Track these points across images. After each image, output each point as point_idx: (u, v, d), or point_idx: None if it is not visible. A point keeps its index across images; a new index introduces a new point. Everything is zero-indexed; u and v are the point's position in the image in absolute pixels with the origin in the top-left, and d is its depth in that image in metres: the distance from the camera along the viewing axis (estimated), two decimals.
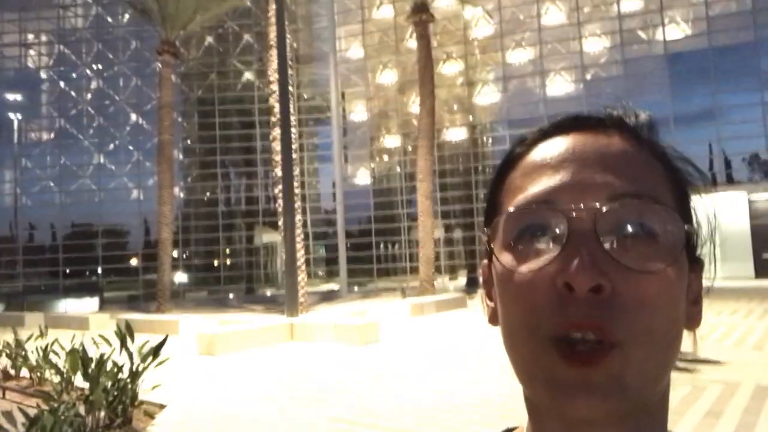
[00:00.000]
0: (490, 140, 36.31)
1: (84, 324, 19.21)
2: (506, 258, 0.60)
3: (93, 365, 7.68)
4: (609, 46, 32.70)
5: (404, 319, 18.81)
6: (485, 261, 0.67)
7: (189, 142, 38.42)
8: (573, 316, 0.54)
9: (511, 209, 0.61)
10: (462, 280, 34.28)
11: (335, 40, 36.85)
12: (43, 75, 39.17)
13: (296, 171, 25.50)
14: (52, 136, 38.01)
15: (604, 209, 0.56)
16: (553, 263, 0.55)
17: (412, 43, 32.85)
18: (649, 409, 0.59)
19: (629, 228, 0.56)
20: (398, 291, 28.33)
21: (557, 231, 0.57)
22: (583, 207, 0.56)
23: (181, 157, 37.50)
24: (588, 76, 32.93)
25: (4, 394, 9.59)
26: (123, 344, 8.02)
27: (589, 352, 0.54)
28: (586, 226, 0.55)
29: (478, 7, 34.06)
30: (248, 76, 37.37)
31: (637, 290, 0.54)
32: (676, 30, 31.60)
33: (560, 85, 33.56)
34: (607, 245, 0.54)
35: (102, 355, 7.91)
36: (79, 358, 7.98)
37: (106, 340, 8.78)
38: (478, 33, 35.57)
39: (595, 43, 33.03)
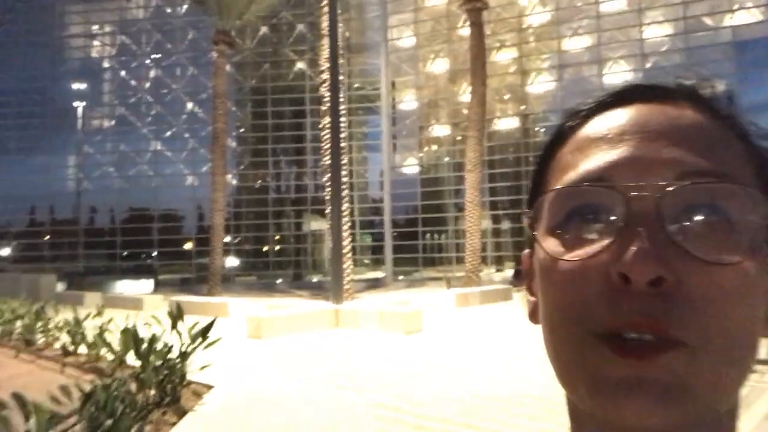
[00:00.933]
0: (543, 130, 35.47)
1: (138, 305, 19.96)
2: (551, 244, 0.51)
3: (144, 345, 7.94)
4: (671, 33, 31.29)
5: (449, 310, 18.69)
6: (527, 250, 0.59)
7: (242, 130, 39.26)
8: (628, 312, 0.45)
9: (558, 187, 0.52)
10: (509, 271, 33.76)
11: (387, 30, 36.70)
12: (106, 64, 40.75)
13: (344, 160, 25.63)
14: (113, 123, 39.56)
15: (671, 189, 0.46)
16: (606, 250, 0.46)
17: (464, 31, 32.35)
18: (715, 424, 0.49)
19: (700, 212, 0.46)
20: (443, 281, 28.17)
21: (613, 213, 0.47)
22: (644, 185, 0.47)
23: (234, 144, 38.34)
24: (648, 65, 31.63)
25: (63, 369, 10.06)
26: (174, 325, 8.26)
27: (647, 346, 0.44)
28: (648, 208, 0.46)
29: None
30: (300, 65, 37.74)
31: (707, 284, 0.45)
32: (745, 15, 29.90)
33: (619, 74, 32.38)
34: (672, 230, 0.45)
35: (153, 335, 8.17)
36: (131, 337, 8.27)
37: (158, 321, 9.07)
38: (533, 20, 34.69)
39: (657, 31, 31.66)
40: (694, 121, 0.52)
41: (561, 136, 0.60)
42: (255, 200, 37.54)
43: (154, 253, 37.18)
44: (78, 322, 11.61)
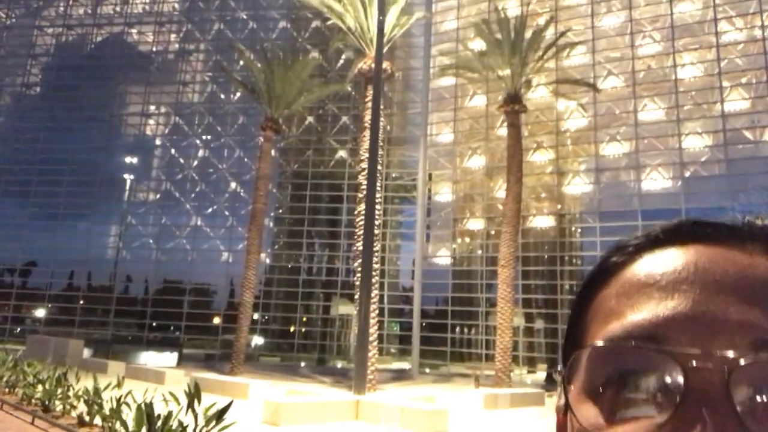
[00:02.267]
0: (579, 230, 35.22)
1: (160, 378, 19.77)
2: (588, 412, 0.41)
3: (159, 423, 7.79)
4: (711, 144, 31.44)
5: (476, 411, 17.86)
6: (560, 402, 0.48)
7: (280, 211, 40.27)
8: None
9: (600, 342, 0.43)
10: (541, 374, 32.41)
11: (427, 125, 38.03)
12: (158, 142, 43.09)
13: (377, 247, 25.83)
14: (158, 197, 41.17)
15: (743, 361, 0.37)
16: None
17: (502, 131, 33.23)
18: None
19: None
20: (472, 378, 27.17)
21: (668, 384, 0.38)
22: (710, 354, 0.38)
23: (271, 225, 39.20)
24: (687, 174, 31.59)
25: None
26: (190, 404, 8.12)
27: None
28: (714, 384, 0.37)
29: (572, 101, 34.15)
30: (341, 154, 39.10)
31: None
32: None
33: (657, 181, 32.37)
34: (742, 413, 0.36)
35: (169, 413, 8.03)
36: (145, 414, 8.14)
37: (176, 399, 8.93)
38: (570, 125, 35.46)
39: (696, 141, 31.88)
40: None
41: (604, 273, 0.49)
42: (286, 280, 37.77)
43: (182, 326, 37.25)
44: (97, 392, 11.52)
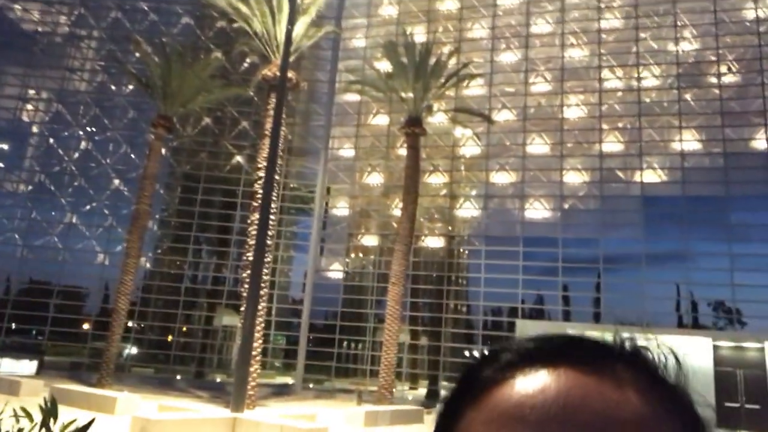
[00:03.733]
0: (466, 252, 36.69)
1: (14, 389, 17.88)
2: None
3: None
4: (588, 180, 34.12)
5: (356, 429, 17.83)
6: None
7: (166, 214, 38.17)
8: None
9: None
10: (422, 390, 33.13)
11: (329, 139, 38.05)
12: (35, 129, 39.42)
13: (268, 257, 25.23)
14: (29, 189, 37.56)
15: None
16: None
17: (401, 151, 34.03)
18: None
19: None
20: (355, 394, 27.16)
21: None
22: None
23: (155, 227, 37.08)
24: (566, 206, 34.03)
25: None
26: (45, 422, 7.35)
27: None
28: None
29: (468, 129, 35.73)
30: (239, 159, 37.96)
31: None
32: (653, 175, 33.25)
33: (539, 211, 34.56)
34: None
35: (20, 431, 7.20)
36: None
37: (28, 415, 8.05)
38: (465, 151, 37.05)
39: (575, 177, 34.48)
40: (637, 414, 0.42)
41: (473, 385, 0.48)
42: (167, 287, 35.77)
43: (46, 331, 34.01)
44: None
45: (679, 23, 34.59)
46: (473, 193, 36.41)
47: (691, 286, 30.30)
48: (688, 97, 33.64)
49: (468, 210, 36.06)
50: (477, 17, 38.85)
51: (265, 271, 23.12)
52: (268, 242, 23.46)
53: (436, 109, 32.55)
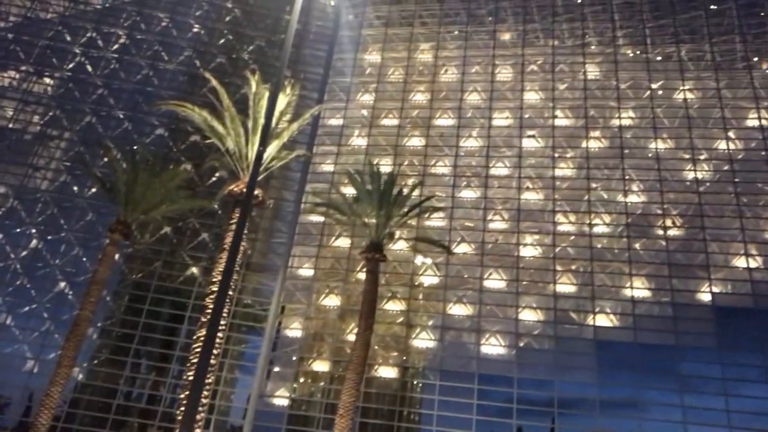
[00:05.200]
0: (420, 386, 35.46)
1: None
2: None
3: None
4: (543, 319, 34.33)
5: None
6: None
7: (109, 323, 36.15)
8: None
9: None
10: None
11: (289, 257, 37.87)
12: None
13: (211, 378, 23.87)
14: None
15: None
16: None
17: (361, 275, 34.00)
18: None
19: None
20: None
21: None
22: None
23: (95, 336, 34.99)
24: (521, 344, 33.84)
25: None
26: None
27: None
28: None
29: (428, 258, 36.24)
30: (194, 270, 37.10)
31: None
32: (605, 320, 33.76)
33: (494, 347, 34.20)
34: None
35: None
36: None
37: None
38: (424, 280, 37.23)
39: (530, 315, 34.69)
40: None
41: None
42: (96, 403, 32.96)
43: None
44: None
45: (627, 177, 37.17)
46: (430, 323, 36.03)
47: None
48: (637, 246, 35.26)
49: (424, 341, 35.42)
50: (441, 155, 41.04)
51: (205, 393, 21.74)
52: (212, 361, 22.28)
53: (397, 237, 33.12)
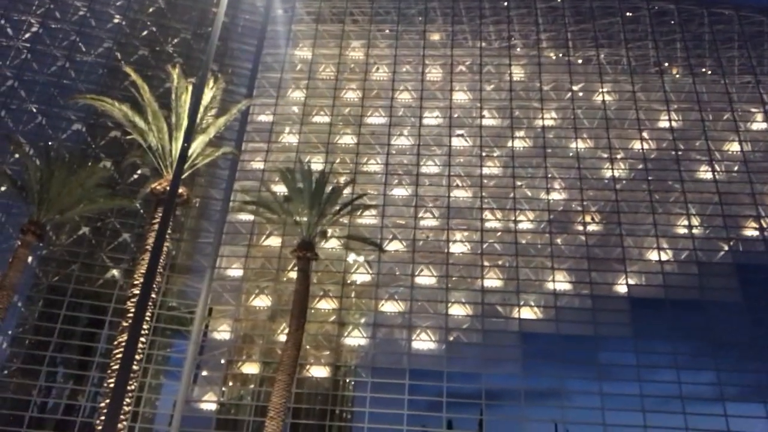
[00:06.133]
0: (352, 384, 35.47)
1: None
2: None
3: None
4: (471, 314, 35.17)
5: None
6: None
7: (21, 330, 33.93)
8: None
9: None
10: None
11: (216, 257, 36.85)
12: None
13: (133, 385, 22.83)
14: None
15: None
16: None
17: (292, 274, 33.61)
18: None
19: None
20: None
21: None
22: None
23: (4, 346, 32.73)
24: (451, 338, 34.53)
25: None
26: None
27: None
28: None
29: (361, 257, 36.28)
30: (114, 273, 35.44)
31: None
32: (530, 312, 35.02)
33: (425, 342, 34.70)
34: None
35: None
36: None
37: None
38: (356, 278, 37.25)
39: (460, 310, 35.46)
40: None
41: None
42: (7, 416, 30.83)
43: None
44: None
45: (549, 175, 38.69)
46: (362, 321, 36.10)
47: (567, 425, 30.95)
48: (558, 241, 36.81)
49: (356, 339, 35.45)
50: (372, 153, 41.20)
51: (128, 400, 20.84)
52: (135, 367, 21.38)
53: (329, 235, 32.93)
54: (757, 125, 41.04)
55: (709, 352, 32.21)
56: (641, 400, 30.68)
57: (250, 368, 35.31)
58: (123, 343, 19.80)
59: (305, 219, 28.99)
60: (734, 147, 39.68)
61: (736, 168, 39.03)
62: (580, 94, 42.47)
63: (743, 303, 33.62)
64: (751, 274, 34.74)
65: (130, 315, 20.61)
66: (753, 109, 41.48)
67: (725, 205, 36.85)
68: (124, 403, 18.66)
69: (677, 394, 30.79)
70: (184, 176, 22.39)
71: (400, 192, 39.65)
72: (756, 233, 36.42)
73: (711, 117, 40.70)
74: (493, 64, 43.99)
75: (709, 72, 43.43)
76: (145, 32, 43.26)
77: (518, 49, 45.17)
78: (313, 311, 33.67)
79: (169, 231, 21.01)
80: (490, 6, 46.09)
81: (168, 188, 22.20)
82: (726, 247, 36.03)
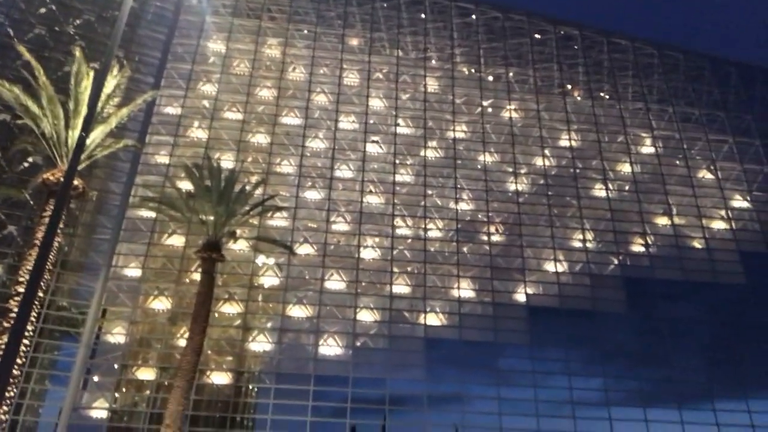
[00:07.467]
0: (255, 390, 34.57)
1: None
2: None
3: None
4: (379, 320, 35.44)
5: None
6: None
7: None
8: None
9: None
10: None
11: (113, 255, 34.62)
12: None
13: (13, 391, 20.94)
14: None
15: None
16: None
17: (195, 275, 32.26)
18: None
19: None
20: None
21: None
22: None
23: None
24: (358, 344, 34.59)
25: None
26: None
27: None
28: None
29: (270, 259, 35.49)
30: None
31: None
32: (435, 319, 35.86)
33: (332, 347, 34.54)
34: None
35: None
36: None
37: None
38: (264, 281, 36.41)
39: (368, 316, 35.64)
40: None
41: None
42: None
43: None
44: None
45: (458, 186, 39.94)
46: (268, 325, 35.31)
47: (466, 430, 31.93)
48: (465, 250, 38.03)
49: (261, 344, 34.58)
50: (286, 154, 40.54)
51: (6, 408, 19.05)
52: (16, 372, 19.59)
53: (238, 236, 31.92)
54: (646, 149, 44.72)
55: (598, 360, 34.55)
56: (536, 404, 32.30)
57: (146, 374, 33.43)
58: (2, 345, 18.08)
59: (212, 218, 27.88)
60: (626, 168, 42.98)
61: (627, 188, 42.25)
62: (489, 109, 44.26)
63: (629, 314, 36.41)
64: (637, 286, 37.66)
65: (13, 314, 18.90)
66: (643, 134, 45.17)
67: (616, 222, 39.77)
68: (2, 411, 17.05)
69: (569, 399, 32.73)
70: (80, 167, 20.92)
71: (312, 195, 39.29)
72: (642, 249, 39.58)
73: (606, 139, 43.89)
74: (409, 74, 44.83)
75: (607, 97, 46.79)
76: (43, 9, 40.04)
77: (433, 62, 46.34)
78: (216, 315, 32.55)
79: (61, 225, 19.49)
80: (408, 17, 46.97)
81: (62, 179, 20.61)
82: (616, 261, 38.85)
